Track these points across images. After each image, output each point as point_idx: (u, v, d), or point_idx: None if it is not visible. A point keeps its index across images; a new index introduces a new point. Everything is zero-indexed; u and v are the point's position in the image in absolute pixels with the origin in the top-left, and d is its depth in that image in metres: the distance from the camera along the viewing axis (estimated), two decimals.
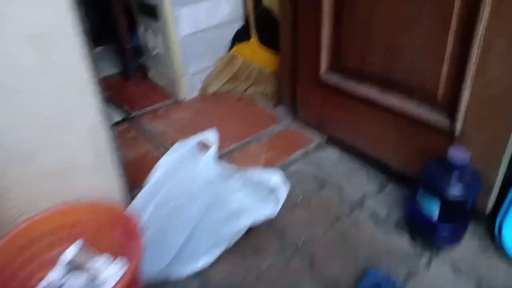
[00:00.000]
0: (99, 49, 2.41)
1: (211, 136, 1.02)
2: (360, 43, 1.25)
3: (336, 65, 1.37)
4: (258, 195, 0.98)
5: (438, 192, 1.03)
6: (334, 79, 1.37)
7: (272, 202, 0.99)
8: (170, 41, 1.70)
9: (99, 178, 0.98)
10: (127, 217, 0.83)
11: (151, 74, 1.98)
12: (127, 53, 2.01)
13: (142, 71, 2.06)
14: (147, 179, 1.01)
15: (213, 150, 1.00)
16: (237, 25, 1.87)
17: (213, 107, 1.80)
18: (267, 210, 0.98)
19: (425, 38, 1.06)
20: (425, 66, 1.09)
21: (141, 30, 1.90)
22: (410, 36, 1.09)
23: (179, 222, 0.87)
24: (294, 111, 1.64)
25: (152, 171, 1.02)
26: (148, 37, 1.86)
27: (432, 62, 1.07)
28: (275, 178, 0.98)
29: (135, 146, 1.57)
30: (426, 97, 1.12)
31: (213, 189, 0.92)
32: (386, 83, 1.22)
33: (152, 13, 1.72)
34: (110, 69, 2.20)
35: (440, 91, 1.08)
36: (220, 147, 1.52)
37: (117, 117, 1.77)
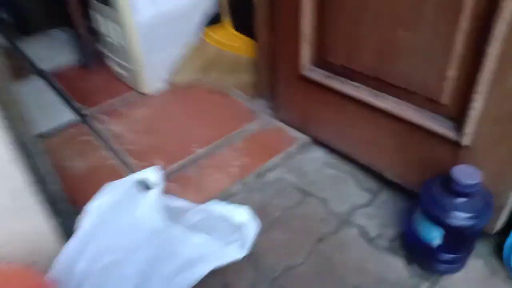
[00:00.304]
0: (54, 31, 2.14)
1: (152, 174, 0.81)
2: (347, 37, 1.03)
3: (320, 60, 1.15)
4: (220, 236, 0.79)
5: (440, 219, 0.84)
6: (318, 75, 1.16)
7: (237, 243, 0.79)
8: (125, 27, 1.45)
9: (21, 223, 0.76)
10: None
11: (109, 62, 1.74)
12: (81, 38, 1.75)
13: (101, 58, 1.81)
14: (77, 226, 0.80)
15: (155, 193, 0.79)
16: (208, 6, 1.62)
17: (180, 101, 1.57)
18: (231, 253, 0.79)
19: (427, 36, 0.85)
20: (426, 68, 0.88)
21: (93, 13, 1.64)
22: (408, 33, 0.88)
23: (118, 280, 0.68)
24: (274, 106, 1.43)
25: (82, 217, 0.81)
26: (99, 22, 1.61)
27: (436, 64, 0.86)
28: (241, 214, 0.78)
29: (86, 153, 1.35)
30: (427, 101, 0.92)
31: (158, 238, 0.73)
32: (379, 84, 1.01)
33: None
34: (66, 56, 1.94)
35: (445, 95, 0.88)
36: (185, 154, 1.31)
37: (68, 116, 1.54)
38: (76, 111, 1.57)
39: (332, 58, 1.11)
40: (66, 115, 1.55)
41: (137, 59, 1.53)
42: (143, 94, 1.62)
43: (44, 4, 2.05)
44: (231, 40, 1.59)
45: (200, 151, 1.31)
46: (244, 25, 1.56)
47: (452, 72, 0.85)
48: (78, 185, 1.22)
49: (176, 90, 1.63)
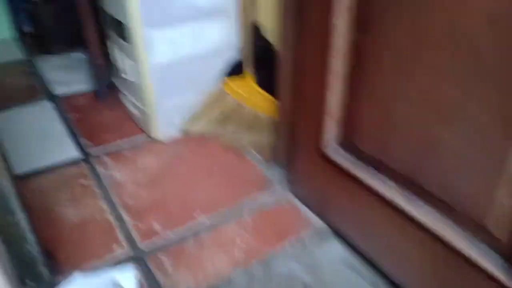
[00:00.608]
0: (76, 55, 2.08)
1: (128, 279, 0.69)
2: (379, 125, 0.91)
3: (346, 142, 1.03)
4: None
5: None
6: (342, 158, 1.03)
7: None
8: (140, 68, 1.36)
9: None
10: None
11: (123, 98, 1.65)
12: (97, 68, 1.67)
13: (116, 92, 1.72)
14: None
15: None
16: (230, 55, 1.53)
17: (191, 154, 1.47)
18: None
19: (472, 140, 0.72)
20: (469, 180, 0.75)
21: (110, 45, 1.56)
22: (449, 132, 0.76)
23: None
24: (291, 178, 1.31)
25: None
26: (117, 56, 1.52)
27: (482, 179, 0.73)
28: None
29: (81, 200, 1.24)
30: (470, 222, 0.79)
31: None
32: (413, 186, 0.88)
33: (120, 31, 1.38)
34: (82, 82, 1.87)
35: (493, 222, 0.74)
36: (187, 219, 1.19)
37: (71, 153, 1.44)
38: (81, 147, 1.47)
39: (360, 144, 0.99)
40: (69, 151, 1.45)
41: (150, 101, 1.43)
42: (153, 139, 1.51)
43: (68, 24, 2.00)
44: (252, 95, 1.49)
45: (203, 219, 1.18)
46: (267, 81, 1.46)
47: (504, 196, 0.72)
48: (63, 237, 1.11)
49: (188, 140, 1.52)
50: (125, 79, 1.52)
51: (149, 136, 1.52)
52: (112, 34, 1.47)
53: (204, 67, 1.49)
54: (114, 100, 1.74)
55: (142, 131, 1.56)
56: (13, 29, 2.28)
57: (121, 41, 1.40)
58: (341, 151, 1.05)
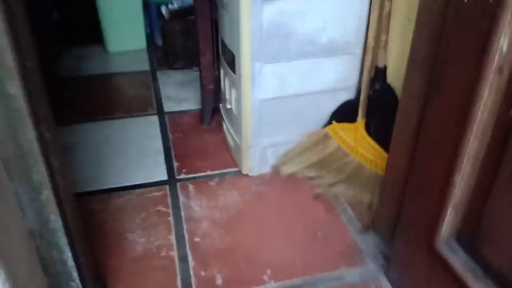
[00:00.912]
0: (194, 73, 2.10)
1: None
2: None
3: (467, 242, 0.77)
4: None
5: None
6: (459, 262, 0.77)
7: None
8: (243, 101, 1.26)
9: None
10: None
11: (224, 126, 1.57)
12: (207, 92, 1.63)
13: (221, 116, 1.66)
14: None
15: None
16: (343, 97, 1.34)
17: (276, 197, 1.31)
18: None
19: None
20: None
21: (221, 73, 1.50)
22: None
23: None
24: (388, 260, 1.06)
25: None
26: (225, 85, 1.45)
27: None
28: None
29: (153, 230, 1.18)
30: None
31: None
32: None
33: (231, 61, 1.30)
34: (191, 101, 1.86)
35: None
36: (253, 280, 1.03)
37: (159, 175, 1.40)
38: (170, 171, 1.43)
39: (489, 251, 0.72)
40: (158, 173, 1.42)
41: (246, 136, 1.32)
42: (242, 174, 1.40)
43: (191, 43, 2.03)
44: (359, 145, 1.28)
45: (272, 286, 1.01)
46: (380, 131, 1.24)
47: None
48: (123, 268, 1.05)
49: (277, 180, 1.37)
50: (228, 109, 1.44)
51: (239, 171, 1.41)
52: (224, 63, 1.41)
53: (311, 106, 1.33)
54: (216, 125, 1.68)
55: (234, 164, 1.45)
56: (147, 41, 2.42)
57: (231, 71, 1.32)
58: (458, 251, 0.79)
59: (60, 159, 0.78)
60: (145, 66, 2.23)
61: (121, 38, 2.34)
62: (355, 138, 1.29)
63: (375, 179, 1.22)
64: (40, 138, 0.69)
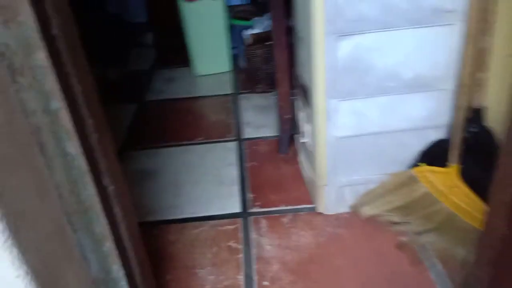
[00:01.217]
0: (273, 97, 2.07)
1: None
2: None
3: None
4: None
5: None
6: None
7: None
8: (317, 137, 1.19)
9: None
10: None
11: (300, 159, 1.51)
12: (284, 121, 1.59)
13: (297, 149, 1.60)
14: None
15: None
16: (432, 136, 1.19)
17: (354, 242, 1.20)
18: None
19: None
20: None
21: (297, 104, 1.44)
22: None
23: None
24: None
25: None
26: (300, 117, 1.39)
27: None
28: None
29: (222, 267, 1.15)
30: None
31: None
32: None
33: (306, 95, 1.23)
34: (269, 127, 1.83)
35: None
36: None
37: (232, 207, 1.38)
38: (244, 203, 1.40)
39: None
40: (231, 204, 1.40)
41: (322, 174, 1.24)
42: (317, 212, 1.32)
43: (272, 68, 2.00)
44: (452, 193, 1.12)
45: None
46: (477, 178, 1.08)
47: None
48: None
49: (356, 222, 1.26)
50: (303, 142, 1.38)
51: (314, 209, 1.33)
52: (300, 95, 1.35)
53: (394, 145, 1.21)
54: (293, 154, 1.62)
55: (309, 200, 1.38)
56: (233, 63, 2.46)
57: (306, 105, 1.26)
58: None
59: (127, 207, 0.79)
60: (228, 89, 2.26)
61: (207, 62, 2.41)
62: (447, 184, 1.13)
63: (471, 233, 1.06)
64: (102, 192, 0.70)
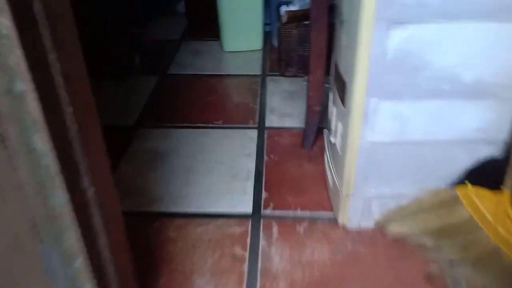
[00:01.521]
0: (303, 83, 1.90)
1: None
2: None
3: None
4: None
5: None
6: None
7: None
8: (349, 141, 1.02)
9: None
10: None
11: (325, 159, 1.35)
12: (312, 114, 1.42)
13: (323, 145, 1.44)
14: None
15: None
16: (484, 152, 1.01)
17: (375, 264, 1.05)
18: None
19: None
20: None
21: (330, 98, 1.27)
22: None
23: None
24: None
25: None
26: (332, 114, 1.22)
27: None
28: None
29: (224, 277, 1.03)
30: None
31: None
32: None
33: (340, 89, 1.06)
34: (296, 118, 1.66)
35: None
36: None
37: (243, 206, 1.25)
38: (257, 203, 1.26)
39: None
40: (243, 202, 1.27)
41: (349, 181, 1.08)
42: (338, 224, 1.17)
43: (306, 51, 1.82)
44: (500, 223, 0.95)
45: None
46: None
47: None
48: None
49: (382, 244, 1.11)
50: (332, 143, 1.22)
51: (334, 219, 1.19)
52: (334, 88, 1.18)
53: (437, 158, 1.03)
54: (318, 150, 1.47)
55: (330, 208, 1.23)
56: (264, 41, 2.28)
57: (340, 101, 1.09)
58: None
59: (111, 214, 0.66)
60: (257, 69, 2.09)
61: (238, 38, 2.24)
62: (495, 212, 0.96)
63: None
64: (78, 196, 0.57)
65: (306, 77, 1.64)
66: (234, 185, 1.33)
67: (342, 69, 1.08)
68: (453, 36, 0.88)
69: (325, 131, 1.38)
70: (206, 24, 2.44)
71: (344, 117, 1.05)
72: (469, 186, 1.01)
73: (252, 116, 1.70)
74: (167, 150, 1.51)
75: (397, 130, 1.00)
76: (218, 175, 1.38)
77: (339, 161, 1.13)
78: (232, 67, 2.15)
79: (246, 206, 1.25)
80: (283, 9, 1.89)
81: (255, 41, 2.27)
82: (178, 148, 1.52)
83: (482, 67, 0.91)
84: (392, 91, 0.95)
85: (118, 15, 1.98)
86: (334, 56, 1.20)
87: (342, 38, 1.07)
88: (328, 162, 1.28)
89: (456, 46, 0.89)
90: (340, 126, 1.12)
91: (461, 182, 1.04)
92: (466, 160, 1.03)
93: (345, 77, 1.03)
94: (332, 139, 1.19)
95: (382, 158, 1.04)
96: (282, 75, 1.98)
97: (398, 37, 0.88)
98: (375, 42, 0.89)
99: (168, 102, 1.82)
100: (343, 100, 1.06)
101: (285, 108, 1.75)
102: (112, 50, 1.94)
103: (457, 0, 0.84)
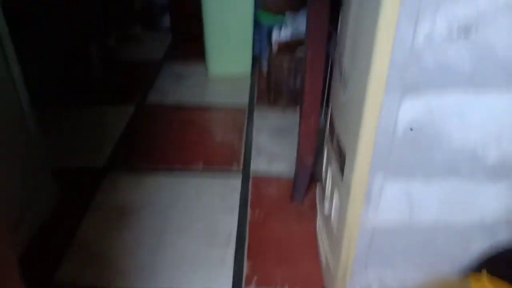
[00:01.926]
0: (294, 117, 1.71)
1: None
2: None
3: None
4: None
5: None
6: None
7: None
8: (346, 223, 0.84)
9: None
10: None
11: (318, 225, 1.17)
12: (300, 166, 1.24)
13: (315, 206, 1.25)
14: None
15: None
16: (504, 238, 0.84)
17: None
18: None
19: None
20: None
21: (324, 161, 1.09)
22: None
23: None
24: None
25: None
26: (327, 178, 1.04)
27: None
28: None
29: None
30: None
31: None
32: None
33: (338, 156, 0.89)
34: (286, 164, 1.48)
35: None
36: None
37: (222, 284, 1.06)
38: (237, 279, 1.07)
39: None
40: (222, 277, 1.07)
41: (345, 268, 0.90)
42: None
43: (301, 84, 1.64)
44: None
45: None
46: None
47: None
48: None
49: None
50: (326, 215, 1.03)
51: None
52: (331, 155, 0.99)
53: (450, 243, 0.86)
54: (309, 204, 1.28)
55: (322, 283, 1.05)
56: (253, 64, 2.09)
57: (338, 171, 0.91)
58: None
59: None
60: (244, 98, 1.90)
61: (225, 60, 2.05)
62: None
63: None
64: None
65: (297, 112, 1.46)
66: (211, 253, 1.14)
67: (340, 132, 0.90)
68: (479, 106, 0.71)
69: (318, 186, 1.20)
70: (191, 41, 2.23)
71: (342, 192, 0.87)
72: (485, 277, 0.83)
73: (237, 157, 1.52)
74: (137, 204, 1.31)
75: (405, 211, 0.82)
76: (194, 237, 1.19)
77: (333, 239, 0.95)
78: (217, 95, 1.95)
79: (224, 283, 1.06)
80: (274, 36, 1.71)
81: (243, 64, 2.08)
82: (151, 201, 1.32)
83: (510, 145, 0.73)
84: (401, 168, 0.77)
85: (82, 31, 1.75)
86: (331, 112, 1.02)
87: (341, 97, 0.89)
88: (320, 229, 1.10)
89: (482, 118, 0.72)
90: (336, 196, 0.93)
91: (476, 270, 0.86)
92: (481, 245, 0.86)
93: (345, 145, 0.85)
94: (326, 209, 1.01)
95: (385, 242, 0.86)
96: (271, 105, 1.80)
97: (411, 107, 0.70)
98: (385, 112, 0.71)
99: (143, 138, 1.63)
100: (342, 169, 0.88)
101: (273, 147, 1.56)
102: (78, 72, 1.74)
103: (489, 65, 0.66)
